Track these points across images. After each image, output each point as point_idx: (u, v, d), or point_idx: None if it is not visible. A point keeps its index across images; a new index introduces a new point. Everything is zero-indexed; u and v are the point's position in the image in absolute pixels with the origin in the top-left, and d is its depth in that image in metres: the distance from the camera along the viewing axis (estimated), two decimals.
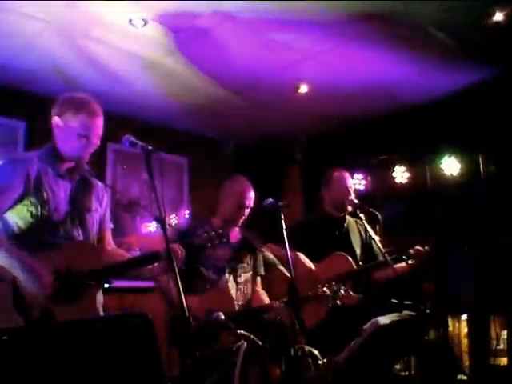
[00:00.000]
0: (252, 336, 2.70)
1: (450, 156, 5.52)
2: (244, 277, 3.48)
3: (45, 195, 2.41)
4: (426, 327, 3.73)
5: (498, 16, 4.06)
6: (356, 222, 3.96)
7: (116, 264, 2.59)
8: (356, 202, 3.82)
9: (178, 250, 2.58)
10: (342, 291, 3.14)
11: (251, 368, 3.00)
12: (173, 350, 2.71)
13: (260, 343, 2.69)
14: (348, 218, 3.97)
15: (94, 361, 1.66)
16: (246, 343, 2.90)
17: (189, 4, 3.89)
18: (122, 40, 4.39)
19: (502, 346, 4.64)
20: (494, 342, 4.67)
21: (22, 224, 2.39)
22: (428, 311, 4.11)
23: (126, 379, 1.70)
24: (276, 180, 7.06)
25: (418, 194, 5.77)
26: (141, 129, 5.48)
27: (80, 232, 2.54)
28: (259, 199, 3.34)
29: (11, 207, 2.37)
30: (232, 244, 3.47)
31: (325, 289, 3.18)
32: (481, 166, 5.29)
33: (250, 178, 3.61)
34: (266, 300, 3.48)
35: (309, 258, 3.67)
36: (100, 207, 2.70)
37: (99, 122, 2.57)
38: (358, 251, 3.84)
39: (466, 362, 4.85)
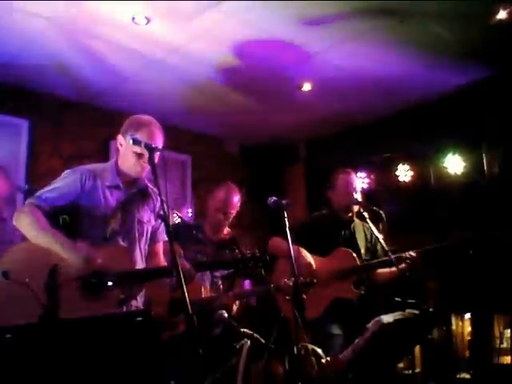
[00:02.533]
0: (255, 334, 2.70)
1: (453, 154, 5.50)
2: (220, 272, 3.59)
3: (96, 201, 2.64)
4: (429, 326, 3.73)
5: (502, 14, 4.05)
6: (363, 224, 3.96)
7: (137, 271, 2.67)
8: (359, 200, 3.83)
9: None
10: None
11: (254, 366, 3.01)
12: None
13: (263, 341, 2.69)
14: (355, 219, 3.98)
15: (96, 358, 1.66)
16: (249, 341, 2.90)
17: (190, 3, 3.90)
18: (124, 38, 4.39)
19: (505, 345, 4.64)
20: (498, 341, 4.67)
21: (71, 224, 2.61)
22: (431, 310, 4.10)
23: (128, 376, 1.70)
24: (279, 179, 7.06)
25: (421, 192, 5.75)
26: None
27: (125, 240, 2.68)
28: (263, 198, 3.38)
29: (64, 207, 2.60)
30: (215, 243, 3.67)
31: (287, 280, 3.28)
32: (485, 164, 5.27)
33: (253, 176, 3.69)
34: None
35: (314, 255, 3.70)
36: (155, 220, 2.86)
37: (157, 142, 2.67)
38: (362, 251, 3.85)
39: (470, 361, 4.84)
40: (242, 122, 6.45)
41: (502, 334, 4.67)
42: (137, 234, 2.74)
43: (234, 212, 3.75)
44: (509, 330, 4.64)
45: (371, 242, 3.93)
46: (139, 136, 2.60)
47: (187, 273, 2.61)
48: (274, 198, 3.05)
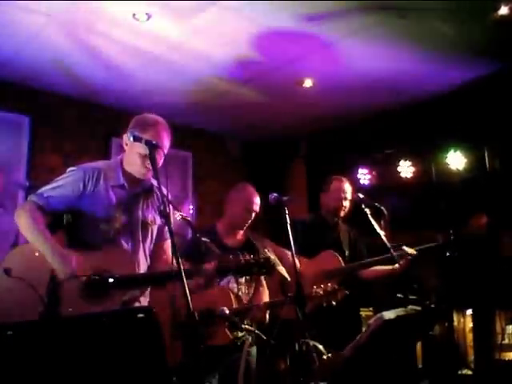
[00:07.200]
0: (257, 331, 2.70)
1: (455, 150, 5.48)
2: (245, 277, 3.51)
3: (99, 201, 2.58)
4: (431, 322, 3.73)
5: (503, 10, 4.04)
6: (347, 228, 4.19)
7: (137, 276, 2.61)
8: (361, 196, 3.85)
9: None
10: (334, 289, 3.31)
11: (256, 362, 3.00)
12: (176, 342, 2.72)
13: (265, 338, 2.68)
14: (340, 223, 4.18)
15: (98, 355, 1.66)
16: (250, 338, 2.90)
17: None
18: (125, 34, 4.39)
19: (507, 341, 4.65)
20: (499, 337, 4.67)
21: (74, 223, 2.59)
22: (433, 306, 4.11)
23: (130, 373, 1.70)
24: (281, 176, 7.06)
25: (423, 188, 5.75)
26: None
27: (129, 241, 2.63)
28: (264, 194, 3.37)
29: (66, 208, 2.57)
30: (235, 247, 3.53)
31: (318, 290, 3.32)
32: (486, 160, 5.26)
33: (255, 174, 3.67)
34: (265, 299, 3.52)
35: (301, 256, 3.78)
36: (160, 219, 2.75)
37: (163, 143, 2.60)
38: (346, 253, 4.01)
39: (471, 357, 4.85)
40: (243, 118, 6.44)
41: (503, 329, 4.67)
42: (140, 235, 2.68)
43: (256, 212, 3.65)
44: (510, 326, 4.64)
45: (354, 245, 4.12)
46: (145, 137, 2.49)
47: (210, 275, 2.61)
48: (275, 194, 3.06)
